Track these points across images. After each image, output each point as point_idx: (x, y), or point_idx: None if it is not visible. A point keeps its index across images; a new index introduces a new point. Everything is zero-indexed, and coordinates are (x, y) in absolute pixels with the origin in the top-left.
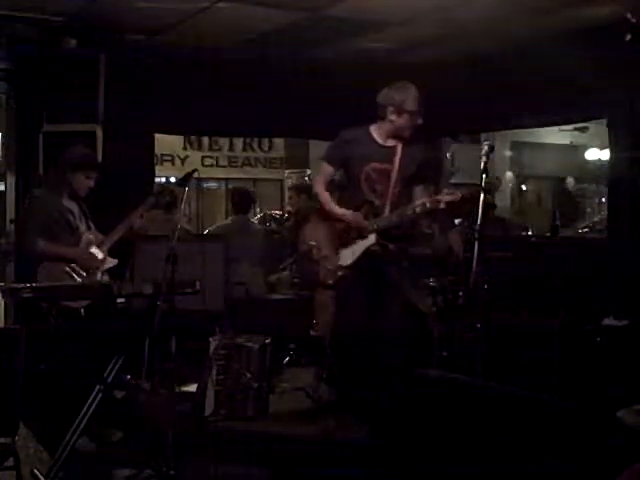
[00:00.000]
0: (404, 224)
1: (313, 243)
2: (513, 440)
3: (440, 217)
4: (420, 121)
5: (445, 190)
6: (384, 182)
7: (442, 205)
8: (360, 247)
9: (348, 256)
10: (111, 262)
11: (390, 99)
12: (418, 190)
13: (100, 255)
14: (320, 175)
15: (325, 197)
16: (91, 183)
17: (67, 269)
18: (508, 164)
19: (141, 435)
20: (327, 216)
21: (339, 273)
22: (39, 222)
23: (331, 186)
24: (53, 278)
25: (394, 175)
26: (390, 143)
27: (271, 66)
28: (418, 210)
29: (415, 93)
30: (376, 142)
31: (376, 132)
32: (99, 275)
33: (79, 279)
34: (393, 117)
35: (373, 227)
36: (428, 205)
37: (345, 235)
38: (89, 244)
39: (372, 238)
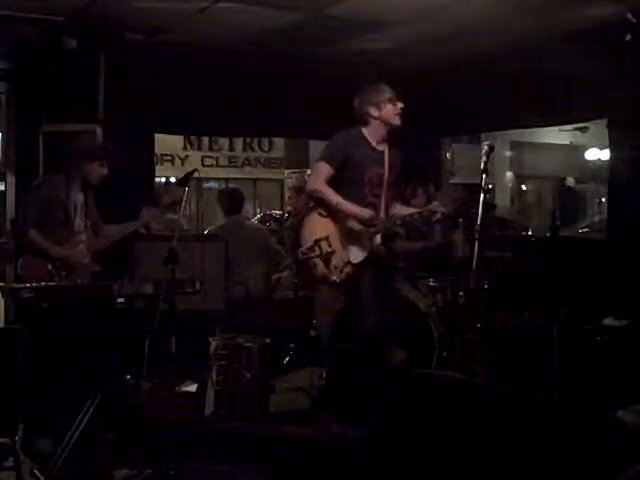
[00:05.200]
0: (403, 227)
1: (321, 237)
2: (513, 440)
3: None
4: (402, 105)
5: (436, 202)
6: (380, 185)
7: (438, 216)
8: (368, 246)
9: (358, 253)
10: (95, 267)
11: (367, 99)
12: (419, 192)
13: (86, 259)
14: (318, 174)
15: (332, 194)
16: (105, 171)
17: (50, 268)
18: (508, 164)
19: (141, 435)
20: (332, 213)
21: (346, 270)
22: (35, 210)
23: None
24: (33, 275)
25: (386, 179)
26: (380, 147)
27: (271, 66)
28: (416, 217)
29: (385, 86)
30: (370, 145)
31: (369, 135)
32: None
33: (59, 280)
34: (376, 113)
35: (379, 229)
36: (425, 214)
37: (352, 232)
38: (79, 244)
39: (378, 238)
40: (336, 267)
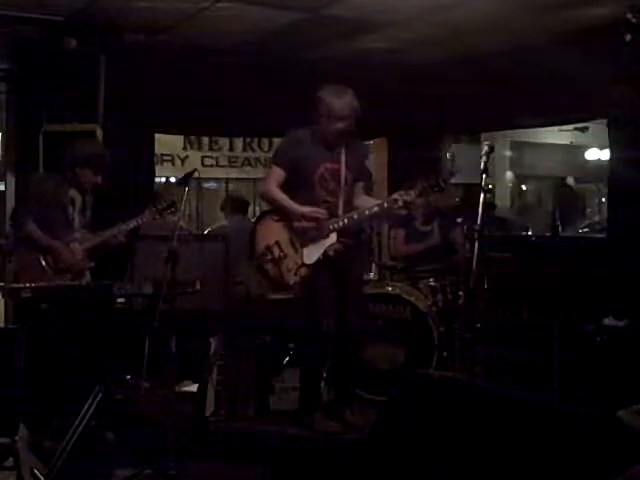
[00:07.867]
0: (362, 223)
1: (272, 242)
2: (513, 440)
3: (442, 216)
4: (350, 126)
5: (401, 191)
6: (336, 182)
7: (400, 204)
8: (322, 246)
9: (312, 254)
10: (88, 264)
11: (320, 102)
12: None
13: (79, 254)
14: (270, 178)
15: (283, 197)
16: (99, 179)
17: (42, 261)
18: (508, 164)
19: (141, 435)
20: (283, 216)
21: (302, 272)
22: (34, 206)
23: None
24: (26, 268)
25: (343, 174)
26: (335, 143)
27: (271, 66)
28: (376, 209)
29: (347, 98)
30: (322, 143)
31: (321, 133)
32: (86, 275)
33: (50, 272)
34: (323, 121)
35: (334, 226)
36: (385, 205)
37: (304, 234)
38: (73, 241)
39: (333, 237)
40: (290, 270)
